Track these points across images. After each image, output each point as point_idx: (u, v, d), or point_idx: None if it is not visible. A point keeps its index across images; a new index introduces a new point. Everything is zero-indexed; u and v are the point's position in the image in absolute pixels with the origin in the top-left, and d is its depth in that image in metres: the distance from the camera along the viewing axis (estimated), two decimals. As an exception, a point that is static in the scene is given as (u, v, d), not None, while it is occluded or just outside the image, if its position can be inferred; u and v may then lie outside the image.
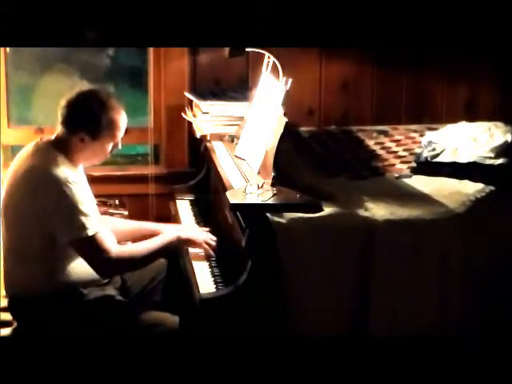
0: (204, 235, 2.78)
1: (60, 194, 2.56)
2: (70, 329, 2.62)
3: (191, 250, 2.76)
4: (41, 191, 2.58)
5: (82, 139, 2.66)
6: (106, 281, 2.78)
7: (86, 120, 2.65)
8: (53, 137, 2.73)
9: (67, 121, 2.67)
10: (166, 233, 2.80)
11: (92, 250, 2.59)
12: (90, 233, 2.56)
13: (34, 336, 2.65)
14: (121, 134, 2.73)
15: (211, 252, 2.72)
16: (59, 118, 2.69)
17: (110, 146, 2.73)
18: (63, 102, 2.68)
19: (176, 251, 2.81)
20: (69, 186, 2.56)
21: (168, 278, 2.97)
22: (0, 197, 2.79)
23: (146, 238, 2.77)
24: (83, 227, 2.56)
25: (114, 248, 2.64)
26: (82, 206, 2.57)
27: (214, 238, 2.76)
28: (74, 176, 2.64)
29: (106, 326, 2.65)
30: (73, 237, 2.57)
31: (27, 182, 2.63)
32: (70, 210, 2.56)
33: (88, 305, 2.68)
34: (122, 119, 2.72)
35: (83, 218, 2.56)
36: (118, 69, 3.96)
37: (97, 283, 2.74)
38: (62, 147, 2.68)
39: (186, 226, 3.04)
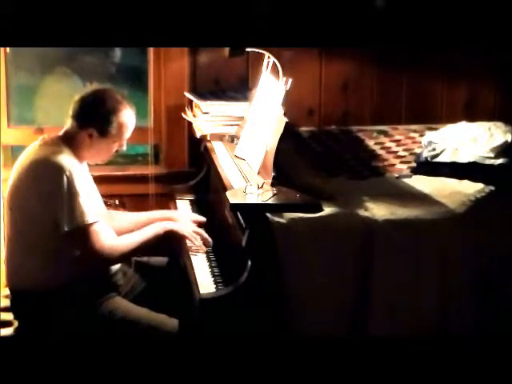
0: (190, 227, 2.81)
1: (63, 181, 2.58)
2: (70, 325, 2.63)
3: (189, 243, 2.78)
4: (45, 179, 2.62)
5: (90, 135, 2.72)
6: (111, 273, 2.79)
7: (97, 116, 2.72)
8: (60, 133, 2.78)
9: (79, 115, 2.73)
10: (153, 225, 2.80)
11: (86, 239, 2.61)
12: (89, 221, 2.60)
13: (35, 333, 2.67)
14: (128, 135, 2.80)
15: (196, 243, 2.74)
16: (70, 113, 2.75)
17: (115, 146, 2.79)
18: (78, 97, 2.75)
19: (171, 244, 2.83)
20: (72, 175, 2.60)
21: (168, 278, 2.97)
22: (0, 194, 2.80)
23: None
24: (83, 215, 2.59)
25: (108, 241, 2.66)
26: (83, 195, 2.61)
27: (201, 231, 2.79)
28: (78, 167, 2.69)
29: (107, 322, 2.67)
30: (73, 223, 2.59)
31: (32, 172, 2.66)
32: (72, 198, 2.59)
33: (89, 301, 2.69)
34: (132, 121, 2.79)
35: (83, 207, 2.60)
36: (118, 69, 3.95)
37: (97, 278, 2.74)
38: (69, 142, 2.73)
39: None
